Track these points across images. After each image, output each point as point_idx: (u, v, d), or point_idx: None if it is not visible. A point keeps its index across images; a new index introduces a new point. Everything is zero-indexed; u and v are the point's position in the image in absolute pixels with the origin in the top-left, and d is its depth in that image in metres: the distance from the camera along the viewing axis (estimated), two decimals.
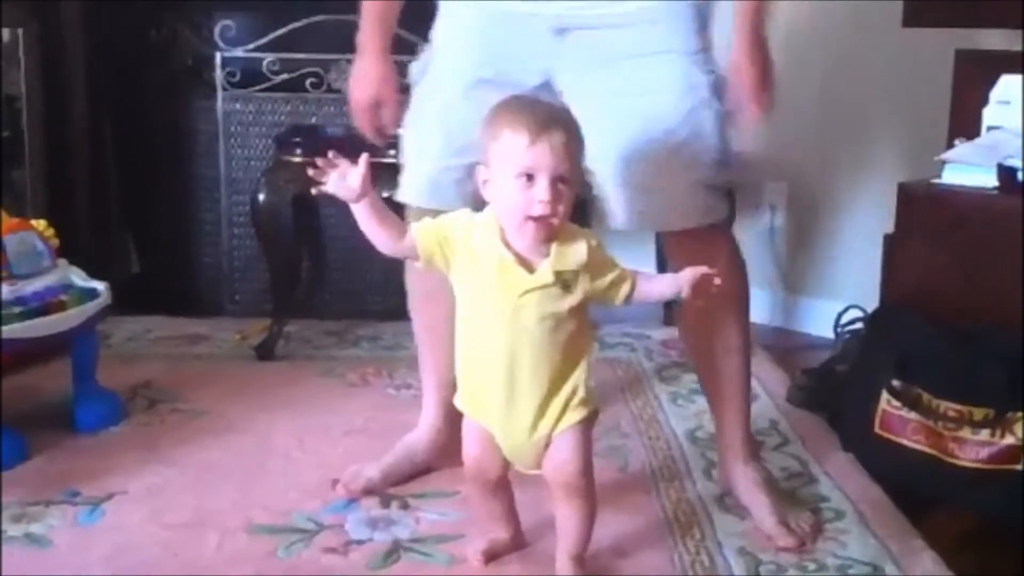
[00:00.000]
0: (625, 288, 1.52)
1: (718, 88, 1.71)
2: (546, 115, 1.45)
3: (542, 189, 1.42)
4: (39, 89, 2.77)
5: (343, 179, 1.46)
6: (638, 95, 1.67)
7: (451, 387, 1.71)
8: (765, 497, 1.81)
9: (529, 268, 1.46)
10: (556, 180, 1.43)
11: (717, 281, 1.49)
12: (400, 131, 1.84)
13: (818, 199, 2.93)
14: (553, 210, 1.43)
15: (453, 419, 1.74)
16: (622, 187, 1.70)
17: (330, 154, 1.47)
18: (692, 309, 1.70)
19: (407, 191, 1.83)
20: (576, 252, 1.48)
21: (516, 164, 1.43)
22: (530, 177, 1.42)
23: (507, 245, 1.46)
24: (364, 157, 1.46)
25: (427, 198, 1.78)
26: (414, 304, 1.96)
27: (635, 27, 1.68)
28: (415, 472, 1.93)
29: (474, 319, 1.51)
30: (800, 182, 2.95)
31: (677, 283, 1.52)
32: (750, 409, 1.90)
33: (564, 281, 1.47)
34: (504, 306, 1.47)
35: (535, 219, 1.43)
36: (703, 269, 1.50)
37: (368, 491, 1.87)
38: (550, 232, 1.46)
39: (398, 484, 1.90)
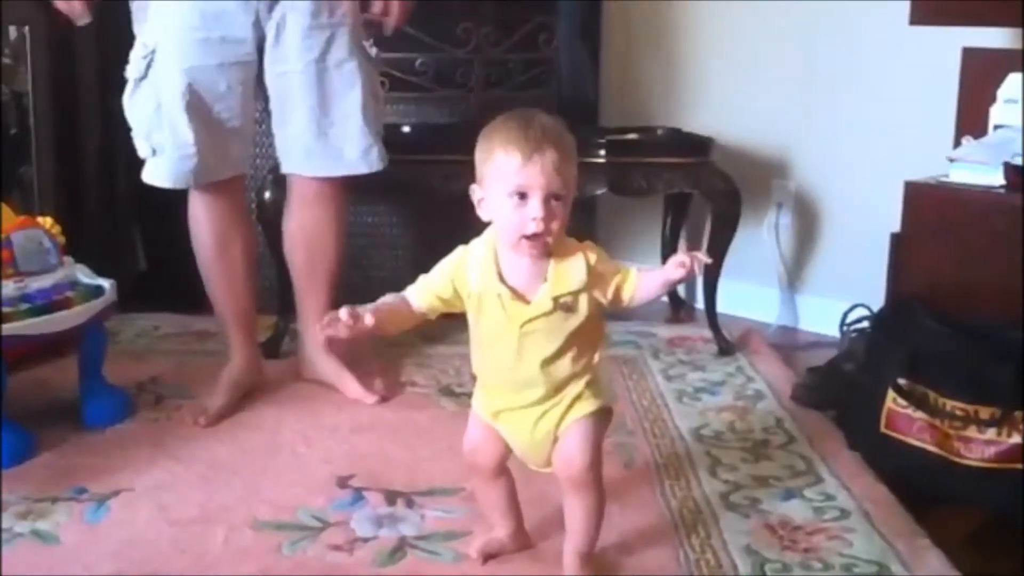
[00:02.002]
0: (630, 287, 1.51)
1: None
2: (539, 134, 1.44)
3: (535, 207, 1.43)
4: (46, 86, 2.78)
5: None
6: (329, 58, 2.15)
7: (252, 318, 2.32)
8: (347, 372, 2.31)
9: (526, 300, 1.48)
10: (549, 198, 1.43)
11: (706, 260, 1.48)
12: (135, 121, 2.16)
13: (824, 197, 2.93)
14: (547, 228, 1.43)
15: (257, 348, 2.37)
16: (317, 137, 2.18)
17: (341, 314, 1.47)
18: (297, 227, 2.30)
19: (169, 177, 2.16)
20: (574, 272, 1.48)
21: (509, 183, 1.43)
22: (523, 196, 1.43)
23: (502, 279, 1.48)
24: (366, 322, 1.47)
25: (198, 178, 2.15)
26: (208, 258, 2.27)
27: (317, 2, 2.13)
28: (243, 396, 2.25)
29: (487, 345, 1.53)
30: (806, 180, 2.95)
31: (665, 276, 1.49)
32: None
33: (565, 304, 1.48)
34: (510, 338, 1.48)
35: (529, 238, 1.44)
36: (683, 258, 1.47)
37: (219, 419, 2.15)
38: (545, 249, 1.47)
39: (233, 413, 2.20)
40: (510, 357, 1.50)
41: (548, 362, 1.49)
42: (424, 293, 1.53)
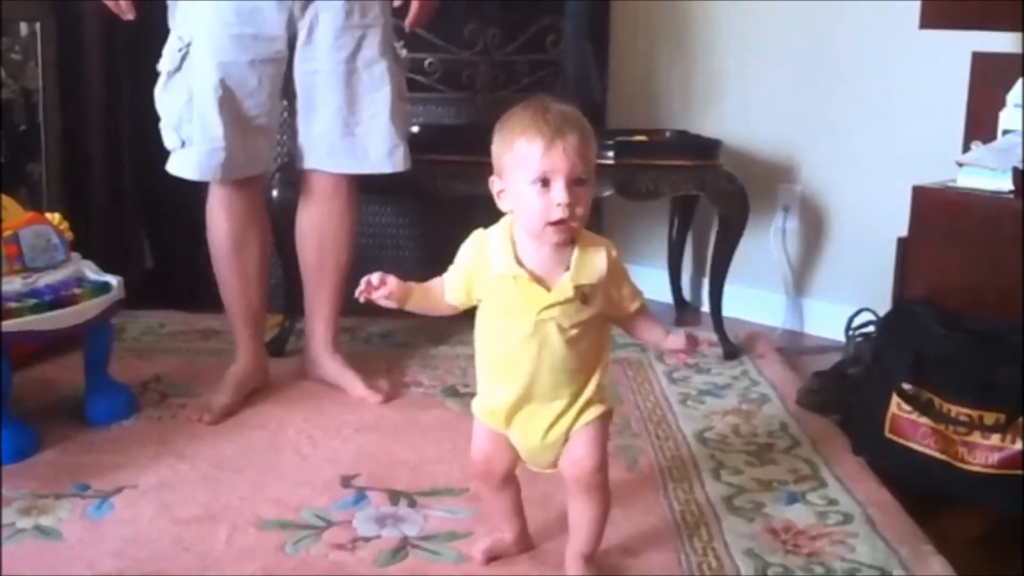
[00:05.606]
0: (636, 305, 1.54)
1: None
2: (559, 119, 1.44)
3: (559, 192, 1.42)
4: (56, 83, 2.79)
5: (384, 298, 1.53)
6: (359, 59, 2.18)
7: (261, 318, 2.34)
8: (352, 372, 2.31)
9: (545, 285, 1.47)
10: (572, 182, 1.43)
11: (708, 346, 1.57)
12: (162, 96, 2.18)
13: (831, 201, 2.92)
14: (572, 213, 1.43)
15: (264, 348, 2.38)
16: (343, 136, 2.21)
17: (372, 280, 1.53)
18: (309, 223, 2.32)
19: (196, 170, 2.17)
20: (596, 264, 1.48)
21: (532, 170, 1.43)
22: (545, 182, 1.43)
23: (520, 263, 1.47)
24: (387, 289, 1.53)
25: (226, 172, 2.17)
26: (223, 256, 2.28)
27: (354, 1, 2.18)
28: (247, 397, 2.26)
29: (497, 335, 1.52)
30: (813, 184, 2.95)
31: (656, 343, 1.59)
32: (339, 314, 2.36)
33: (583, 294, 1.48)
34: (525, 323, 1.48)
35: (554, 224, 1.44)
36: (684, 342, 1.56)
37: (224, 417, 2.16)
38: (569, 235, 1.47)
39: (238, 412, 2.20)
40: (522, 345, 1.48)
41: (559, 352, 1.48)
42: (455, 288, 1.54)
